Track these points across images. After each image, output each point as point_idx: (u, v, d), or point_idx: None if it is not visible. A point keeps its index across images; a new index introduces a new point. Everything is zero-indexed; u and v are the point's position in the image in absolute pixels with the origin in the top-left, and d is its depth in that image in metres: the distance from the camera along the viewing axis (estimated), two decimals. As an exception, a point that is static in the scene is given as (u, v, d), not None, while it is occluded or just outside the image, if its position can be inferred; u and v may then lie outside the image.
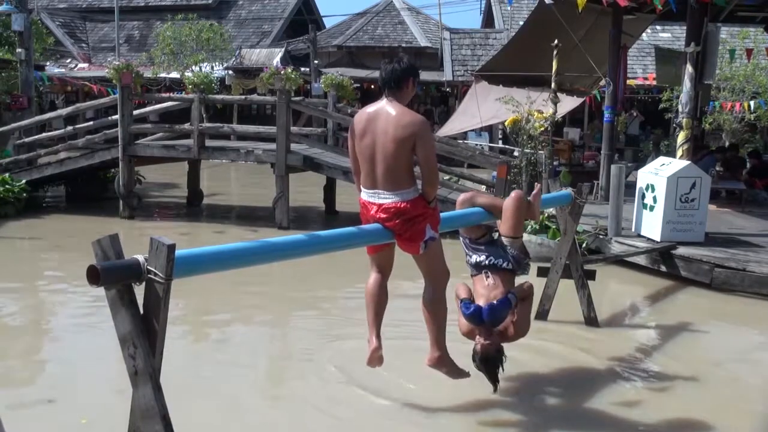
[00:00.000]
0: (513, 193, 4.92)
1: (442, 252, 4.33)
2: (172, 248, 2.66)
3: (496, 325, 4.65)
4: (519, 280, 4.89)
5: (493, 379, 4.57)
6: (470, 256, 4.86)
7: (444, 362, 4.41)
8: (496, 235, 4.98)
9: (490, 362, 4.56)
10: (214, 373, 5.22)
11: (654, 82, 18.03)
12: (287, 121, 10.93)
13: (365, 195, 4.21)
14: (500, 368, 4.61)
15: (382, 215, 4.09)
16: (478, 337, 4.72)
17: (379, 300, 4.41)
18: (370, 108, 4.22)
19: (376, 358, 4.37)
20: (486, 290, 4.67)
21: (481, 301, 4.64)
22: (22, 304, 7.29)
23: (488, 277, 4.72)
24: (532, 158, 11.42)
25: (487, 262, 4.74)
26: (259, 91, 21.89)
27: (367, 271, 4.54)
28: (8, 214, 11.14)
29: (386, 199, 4.08)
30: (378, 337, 4.35)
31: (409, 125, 4.03)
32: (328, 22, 30.83)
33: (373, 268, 4.47)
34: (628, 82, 15.87)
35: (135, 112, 11.81)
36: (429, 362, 4.42)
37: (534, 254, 8.58)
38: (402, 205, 4.06)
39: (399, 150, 4.03)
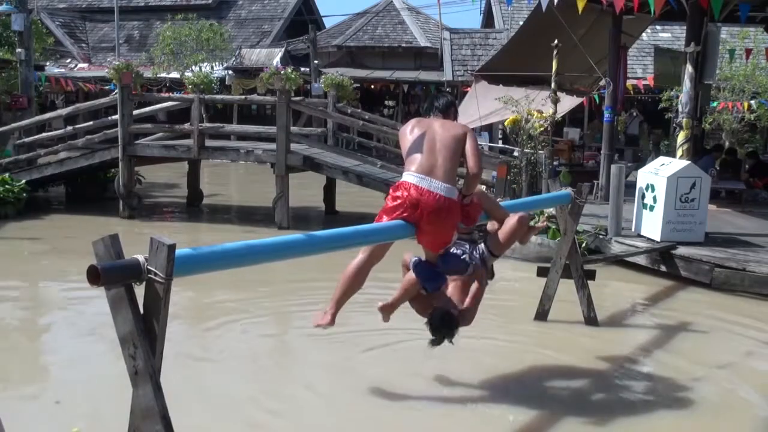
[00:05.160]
0: (520, 215, 4.84)
1: None
2: (172, 248, 2.66)
3: (452, 273, 4.60)
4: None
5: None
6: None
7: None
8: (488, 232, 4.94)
9: (446, 324, 4.47)
10: (215, 372, 5.22)
11: (651, 83, 18.00)
12: (287, 121, 10.93)
13: (414, 178, 4.16)
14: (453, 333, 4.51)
15: (425, 198, 4.09)
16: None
17: (356, 283, 4.43)
18: (421, 119, 4.57)
19: (316, 328, 4.47)
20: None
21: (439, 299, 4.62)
22: (22, 304, 7.29)
23: None
24: (532, 158, 11.41)
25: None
26: (259, 91, 21.88)
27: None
28: (8, 214, 11.13)
29: (439, 190, 4.12)
30: (334, 316, 4.42)
31: (460, 126, 4.46)
32: (328, 22, 30.87)
33: (365, 251, 4.44)
34: (627, 83, 15.84)
35: (137, 112, 11.80)
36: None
37: (534, 254, 8.65)
38: (451, 201, 4.14)
39: (456, 145, 4.26)
